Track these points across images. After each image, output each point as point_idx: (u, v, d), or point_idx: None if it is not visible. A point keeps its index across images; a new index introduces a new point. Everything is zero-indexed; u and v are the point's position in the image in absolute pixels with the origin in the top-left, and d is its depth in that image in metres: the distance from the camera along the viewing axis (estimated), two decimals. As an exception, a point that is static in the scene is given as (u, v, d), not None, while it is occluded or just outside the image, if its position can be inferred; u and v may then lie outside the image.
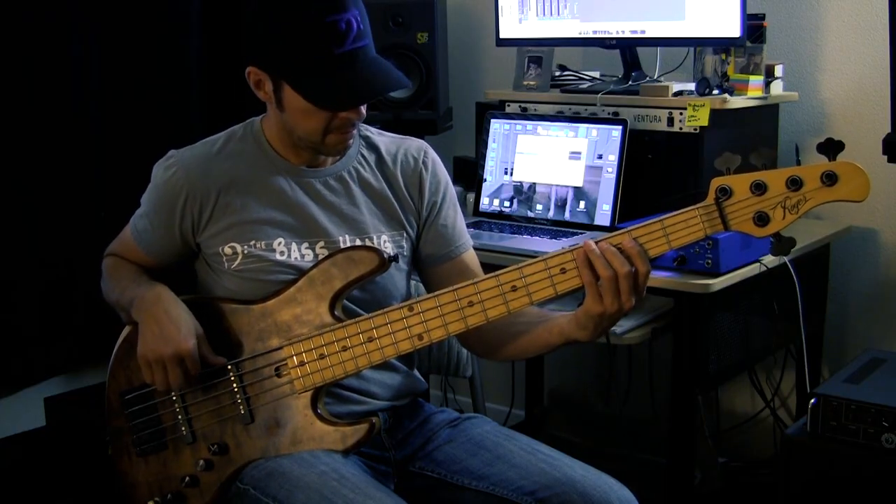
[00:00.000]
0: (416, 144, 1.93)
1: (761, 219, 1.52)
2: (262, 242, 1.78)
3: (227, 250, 1.79)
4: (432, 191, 1.90)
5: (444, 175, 1.94)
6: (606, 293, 1.58)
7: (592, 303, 1.60)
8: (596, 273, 1.58)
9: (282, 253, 1.78)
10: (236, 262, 1.78)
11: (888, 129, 2.29)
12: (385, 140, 1.91)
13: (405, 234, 1.88)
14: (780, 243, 1.55)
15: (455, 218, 1.94)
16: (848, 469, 2.05)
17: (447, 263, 1.89)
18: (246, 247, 1.78)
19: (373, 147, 1.89)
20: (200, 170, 1.80)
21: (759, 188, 1.52)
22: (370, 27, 1.72)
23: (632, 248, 1.57)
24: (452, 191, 1.95)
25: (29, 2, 2.65)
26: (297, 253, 1.79)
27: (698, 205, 1.55)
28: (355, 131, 1.80)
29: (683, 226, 1.56)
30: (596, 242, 1.59)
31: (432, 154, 1.94)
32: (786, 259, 2.31)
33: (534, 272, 1.61)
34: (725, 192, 1.54)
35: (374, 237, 1.83)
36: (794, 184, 1.50)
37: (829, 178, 1.49)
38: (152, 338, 1.71)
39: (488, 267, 1.69)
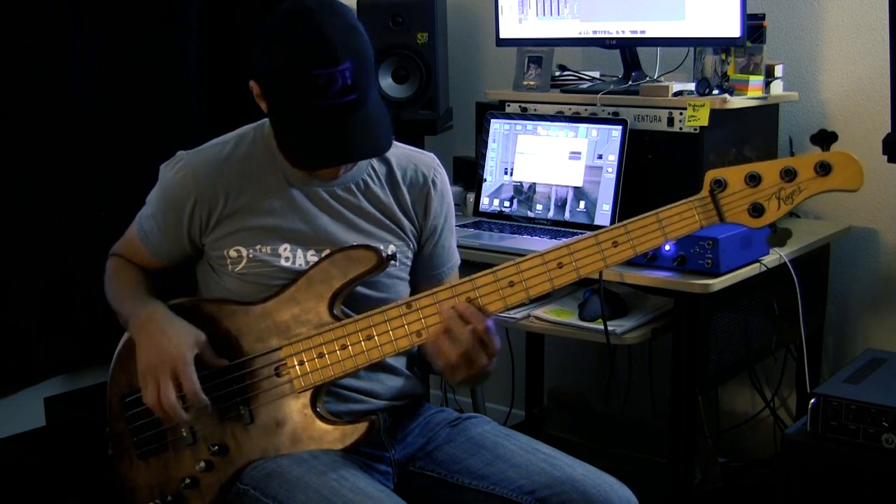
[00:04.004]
0: (426, 161, 1.92)
1: (756, 210, 1.53)
2: (268, 247, 1.78)
3: (233, 253, 1.79)
4: (437, 214, 1.90)
5: (450, 196, 1.94)
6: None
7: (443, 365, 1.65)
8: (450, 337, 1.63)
9: (287, 259, 1.78)
10: (241, 266, 1.78)
11: (888, 129, 2.29)
12: (397, 153, 1.89)
13: (410, 246, 1.88)
14: (777, 234, 1.56)
15: (450, 239, 1.95)
16: (848, 469, 2.05)
17: (433, 281, 1.90)
18: (251, 251, 1.78)
19: (384, 160, 1.87)
20: (210, 173, 1.78)
21: (753, 179, 1.53)
22: (371, 76, 1.66)
23: (465, 310, 1.62)
24: (453, 212, 1.96)
25: (29, 2, 2.65)
26: (303, 259, 1.78)
27: (693, 197, 1.56)
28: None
29: (679, 218, 1.57)
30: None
31: (442, 174, 1.93)
32: (786, 259, 2.31)
33: (530, 267, 1.61)
34: (720, 184, 1.54)
35: (382, 247, 1.82)
36: (788, 174, 1.51)
37: (823, 168, 1.49)
38: (148, 351, 1.71)
39: (488, 267, 1.68)
